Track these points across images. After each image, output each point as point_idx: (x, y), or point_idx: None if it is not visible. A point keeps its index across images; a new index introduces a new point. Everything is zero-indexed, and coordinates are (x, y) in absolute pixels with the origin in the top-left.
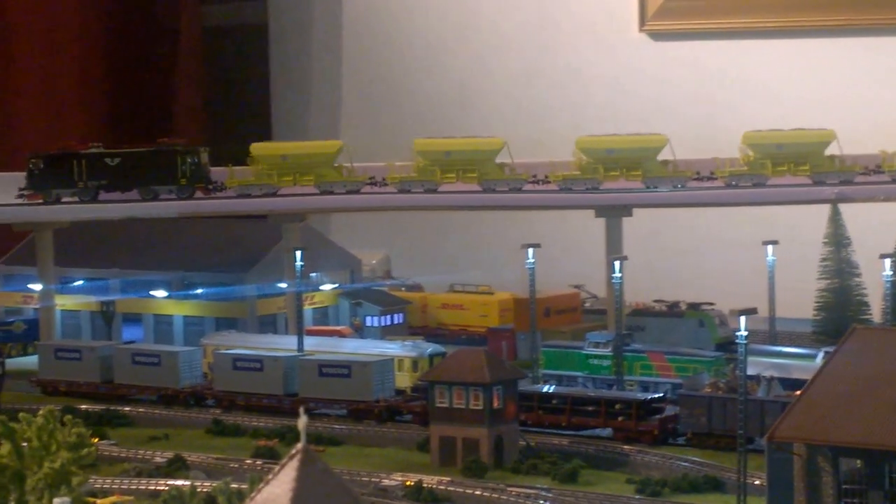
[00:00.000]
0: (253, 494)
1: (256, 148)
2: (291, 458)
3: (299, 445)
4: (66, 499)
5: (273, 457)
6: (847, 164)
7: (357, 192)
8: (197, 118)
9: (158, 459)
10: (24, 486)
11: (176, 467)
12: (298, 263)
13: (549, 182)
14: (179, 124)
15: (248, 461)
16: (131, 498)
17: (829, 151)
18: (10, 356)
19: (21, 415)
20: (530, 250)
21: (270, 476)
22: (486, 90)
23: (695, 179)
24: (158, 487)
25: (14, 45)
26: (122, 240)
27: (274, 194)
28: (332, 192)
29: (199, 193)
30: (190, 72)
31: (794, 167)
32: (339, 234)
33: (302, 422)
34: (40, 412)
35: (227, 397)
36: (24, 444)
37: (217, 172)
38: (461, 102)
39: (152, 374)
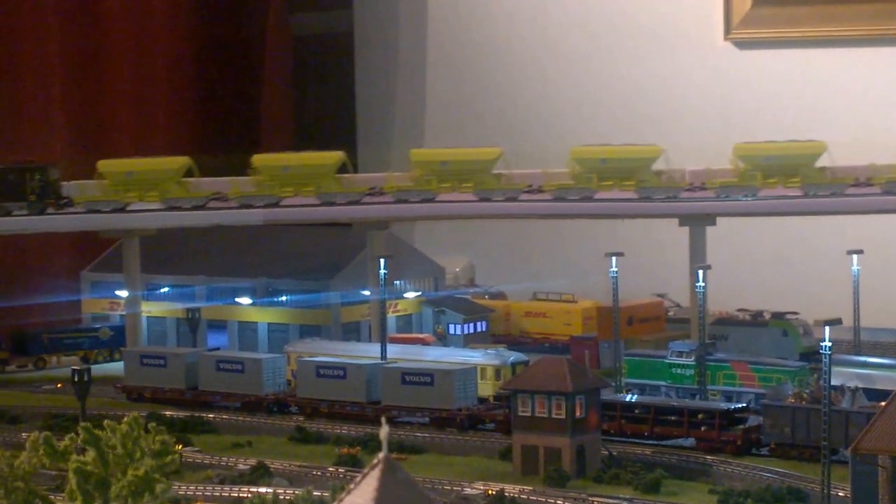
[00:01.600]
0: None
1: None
2: (373, 467)
3: (381, 455)
4: None
5: (356, 464)
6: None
7: (431, 200)
8: (284, 126)
9: (242, 466)
10: (108, 493)
11: (259, 475)
12: (382, 271)
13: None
14: (266, 132)
15: (330, 469)
16: None
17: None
18: (96, 362)
19: (106, 422)
20: (614, 259)
21: (352, 485)
22: (569, 97)
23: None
24: (241, 495)
25: (104, 55)
26: (208, 247)
27: (357, 202)
28: (407, 201)
29: (50, 209)
30: (278, 80)
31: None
32: (422, 242)
33: (384, 431)
34: (125, 419)
35: (310, 405)
36: (109, 451)
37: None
38: (545, 109)
39: (236, 381)
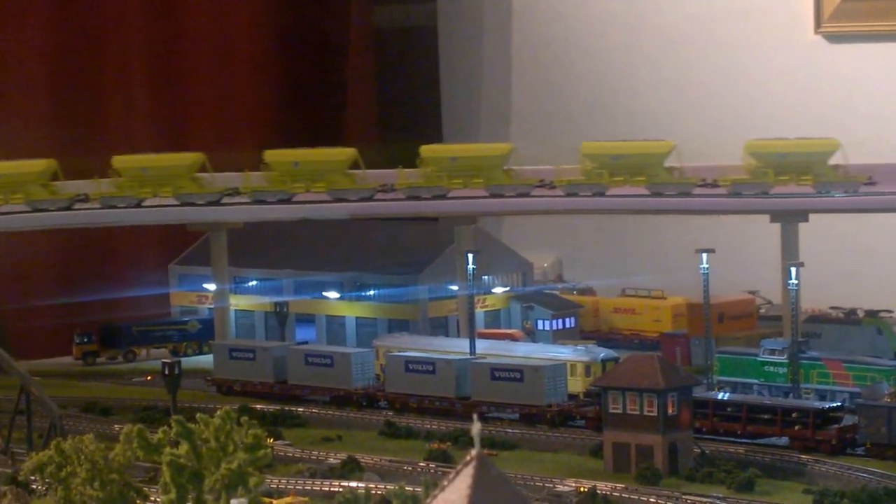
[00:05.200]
0: (428, 500)
1: (426, 150)
2: (466, 464)
3: (474, 452)
4: (244, 500)
5: (446, 460)
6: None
7: (526, 194)
8: (369, 119)
9: (332, 461)
10: (201, 486)
11: (349, 469)
12: (471, 266)
13: (718, 186)
14: (351, 126)
15: (421, 464)
16: (306, 499)
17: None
18: (185, 355)
19: (198, 415)
20: (704, 255)
21: (445, 482)
22: (655, 91)
23: (866, 184)
24: (332, 489)
25: (186, 51)
26: (296, 241)
27: (444, 196)
28: (501, 195)
29: None
30: (361, 73)
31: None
32: (510, 236)
33: (476, 428)
34: (217, 413)
35: (399, 399)
36: (202, 444)
37: (388, 175)
38: (631, 103)
39: (325, 375)
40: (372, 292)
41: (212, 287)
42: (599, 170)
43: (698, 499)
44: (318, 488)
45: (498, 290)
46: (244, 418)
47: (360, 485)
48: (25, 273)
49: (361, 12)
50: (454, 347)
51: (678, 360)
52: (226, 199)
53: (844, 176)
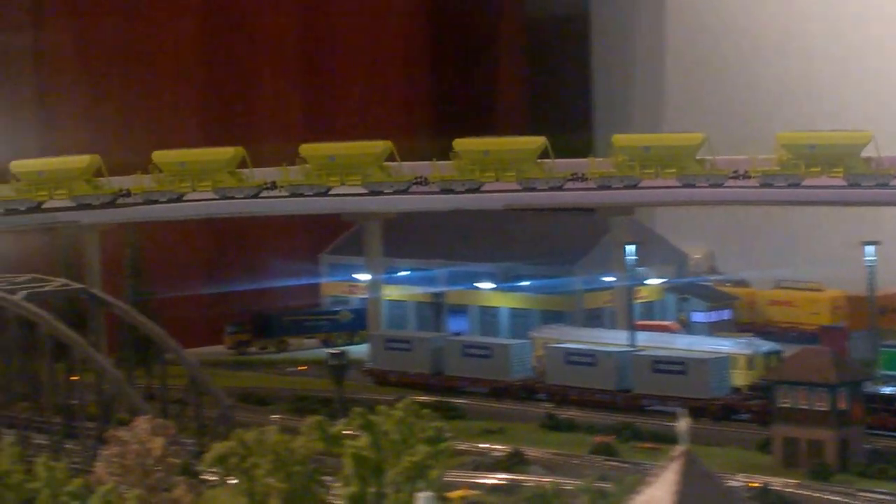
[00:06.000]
0: (633, 496)
1: (618, 139)
2: (672, 460)
3: (680, 448)
4: (431, 493)
5: (611, 454)
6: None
7: (720, 185)
8: (519, 107)
9: (496, 453)
10: (382, 479)
11: (514, 462)
12: (631, 258)
13: None
14: (501, 113)
15: (588, 458)
16: (478, 492)
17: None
18: (335, 345)
19: (379, 408)
20: (869, 247)
21: (650, 478)
22: (813, 85)
23: None
24: (498, 482)
25: (339, 38)
26: (449, 231)
27: (635, 186)
28: (693, 185)
29: None
30: (512, 61)
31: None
32: (662, 228)
33: (683, 424)
34: (398, 405)
35: (559, 391)
36: (383, 436)
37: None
38: (790, 97)
39: (483, 367)
40: (526, 283)
41: (363, 277)
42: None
43: (875, 495)
44: (482, 481)
45: (653, 281)
46: (425, 411)
47: (544, 480)
48: (177, 263)
49: (513, 1)
50: (612, 339)
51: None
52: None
53: None
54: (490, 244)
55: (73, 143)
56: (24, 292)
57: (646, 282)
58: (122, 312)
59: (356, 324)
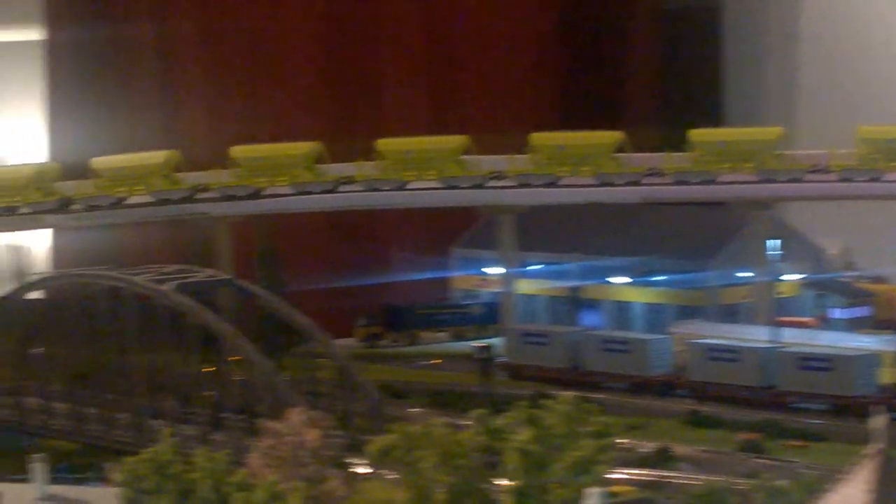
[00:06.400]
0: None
1: (695, 134)
2: (868, 458)
3: (876, 447)
4: (600, 490)
5: (759, 451)
6: None
7: (799, 180)
8: (649, 100)
9: (641, 449)
10: (545, 474)
11: (662, 458)
12: (773, 253)
13: None
14: (631, 105)
15: (736, 455)
16: (632, 488)
17: None
18: (466, 338)
19: (545, 402)
20: None
21: (843, 476)
22: None
23: None
24: (647, 478)
25: (466, 29)
26: (583, 225)
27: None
28: (773, 180)
29: None
30: (645, 54)
31: None
32: (796, 222)
33: (879, 422)
34: (561, 399)
35: (700, 387)
36: (547, 431)
37: (654, 158)
38: None
39: (622, 362)
40: (661, 278)
41: (496, 270)
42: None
43: None
44: (630, 476)
45: (791, 276)
46: (590, 405)
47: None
48: (306, 255)
49: None
50: (751, 335)
51: None
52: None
53: None
54: (624, 238)
55: (197, 135)
56: (173, 283)
57: (783, 277)
58: (270, 304)
59: (487, 317)
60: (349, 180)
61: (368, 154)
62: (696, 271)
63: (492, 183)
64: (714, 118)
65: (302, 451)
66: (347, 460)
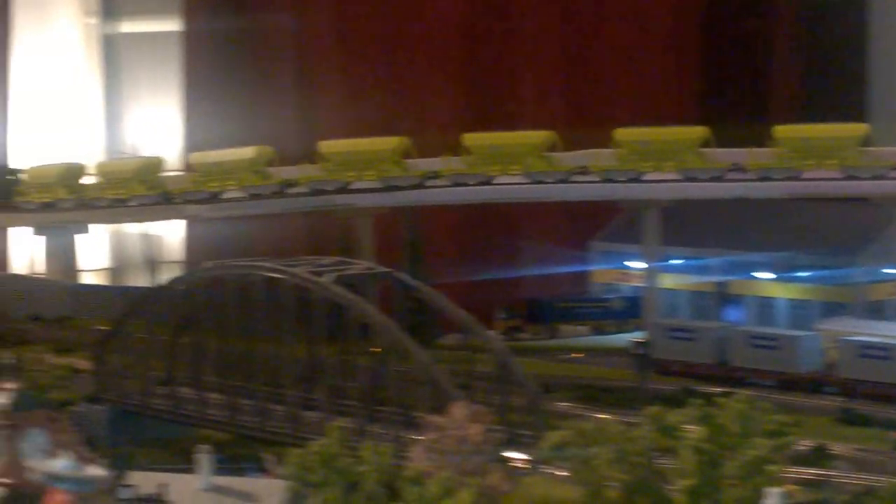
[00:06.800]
0: None
1: (778, 130)
2: None
3: None
4: (780, 490)
5: None
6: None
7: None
8: (790, 94)
9: (797, 448)
10: (719, 472)
11: (818, 457)
12: None
13: None
14: (772, 99)
15: (894, 454)
16: (798, 487)
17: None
18: (606, 332)
19: (718, 399)
20: None
21: None
22: None
23: None
24: (805, 477)
25: (602, 24)
26: (726, 220)
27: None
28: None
29: None
30: (785, 47)
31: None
32: None
33: None
34: (735, 397)
35: (851, 385)
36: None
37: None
38: None
39: (770, 358)
40: (806, 273)
41: (636, 265)
42: None
43: None
44: (788, 475)
45: None
46: (765, 404)
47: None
48: (445, 248)
49: None
50: None
51: None
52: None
53: None
54: (768, 234)
55: (333, 127)
56: (332, 275)
57: None
58: (429, 297)
59: (628, 312)
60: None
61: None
62: (842, 267)
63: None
64: (857, 113)
65: (465, 446)
66: (507, 455)
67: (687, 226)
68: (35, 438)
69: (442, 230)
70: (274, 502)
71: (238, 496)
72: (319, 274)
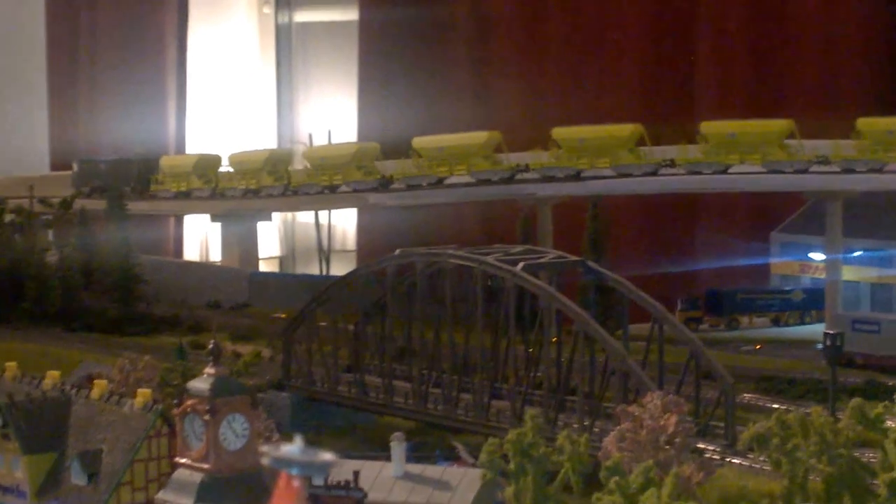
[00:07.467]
0: None
1: (862, 123)
2: None
3: None
4: None
5: None
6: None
7: None
8: None
9: None
10: None
11: None
12: None
13: None
14: None
15: None
16: None
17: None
18: (786, 324)
19: None
20: None
21: None
22: None
23: None
24: None
25: (788, 13)
26: None
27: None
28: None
29: None
30: None
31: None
32: None
33: None
34: None
35: None
36: None
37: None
38: None
39: None
40: None
41: (818, 256)
42: None
43: None
44: None
45: None
46: None
47: None
48: (625, 239)
49: None
50: None
51: None
52: (814, 168)
53: None
54: None
55: (512, 115)
56: (522, 263)
57: None
58: (621, 287)
59: (809, 303)
60: (671, 163)
61: (690, 137)
62: None
63: (816, 168)
64: None
65: (660, 436)
66: (700, 446)
67: (870, 217)
68: (235, 424)
69: (623, 221)
70: (469, 491)
71: (432, 484)
72: (510, 262)
